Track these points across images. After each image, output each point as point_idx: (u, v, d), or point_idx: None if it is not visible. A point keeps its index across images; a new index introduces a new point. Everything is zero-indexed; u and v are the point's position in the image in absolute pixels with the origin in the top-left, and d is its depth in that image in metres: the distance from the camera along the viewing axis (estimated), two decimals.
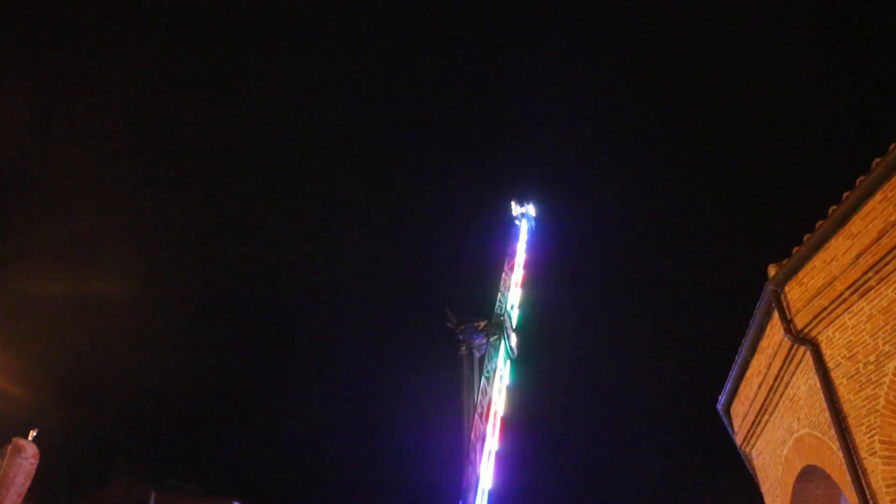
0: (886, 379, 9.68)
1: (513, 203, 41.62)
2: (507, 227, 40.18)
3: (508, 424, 28.72)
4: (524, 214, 41.01)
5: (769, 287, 12.05)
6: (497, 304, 32.21)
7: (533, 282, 35.83)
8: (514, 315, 32.78)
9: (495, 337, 29.97)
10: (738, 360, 14.39)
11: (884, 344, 9.82)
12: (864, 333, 10.24)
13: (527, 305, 34.20)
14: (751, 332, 13.48)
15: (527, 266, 36.72)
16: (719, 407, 16.10)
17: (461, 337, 30.60)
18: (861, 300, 10.30)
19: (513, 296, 33.43)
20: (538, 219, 41.59)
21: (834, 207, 10.55)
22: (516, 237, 38.16)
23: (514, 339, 31.39)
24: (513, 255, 36.29)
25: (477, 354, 30.11)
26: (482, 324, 30.60)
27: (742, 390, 14.94)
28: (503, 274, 34.46)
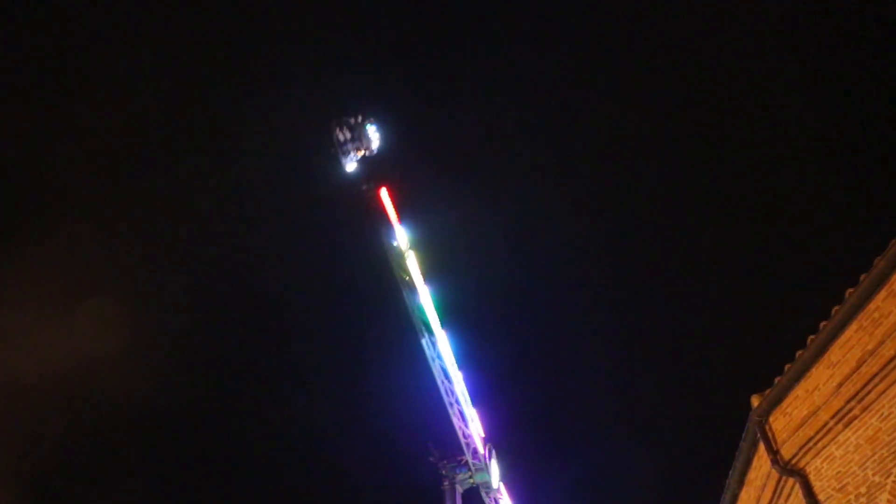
0: None
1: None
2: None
3: None
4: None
5: (754, 418, 12.03)
6: (464, 444, 30.15)
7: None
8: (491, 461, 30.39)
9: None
10: (727, 493, 14.13)
11: (874, 475, 9.73)
12: (852, 464, 10.16)
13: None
14: (738, 465, 13.33)
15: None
16: None
17: (444, 472, 29.78)
18: (846, 430, 10.29)
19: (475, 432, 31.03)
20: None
21: (812, 337, 10.71)
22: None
23: (495, 472, 30.35)
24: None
25: (460, 489, 29.22)
26: (465, 458, 29.86)
27: None
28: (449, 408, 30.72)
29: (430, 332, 28.15)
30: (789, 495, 11.66)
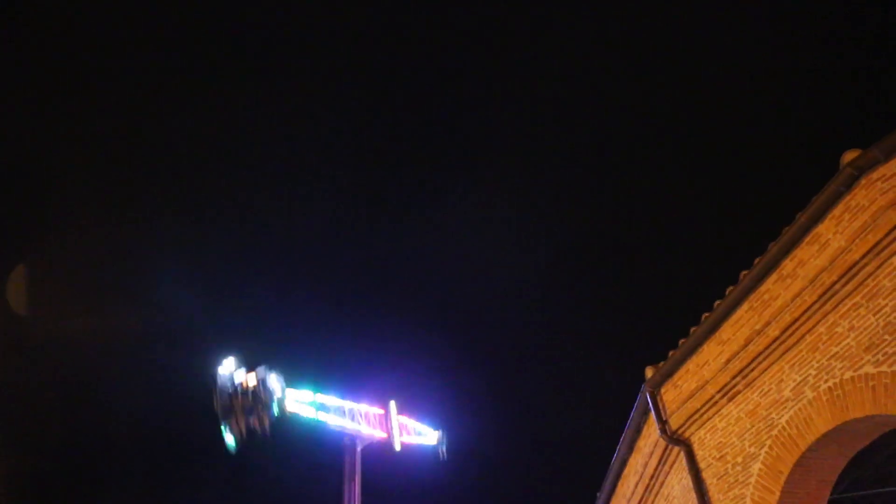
0: (752, 479, 10.21)
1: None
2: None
3: None
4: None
5: (646, 388, 12.58)
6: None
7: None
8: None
9: None
10: (616, 458, 14.79)
11: (750, 446, 10.40)
12: (732, 435, 10.82)
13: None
14: (628, 432, 13.94)
15: None
16: None
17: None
18: (730, 403, 10.93)
19: None
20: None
21: (706, 314, 11.26)
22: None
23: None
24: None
25: (360, 446, 29.42)
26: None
27: (620, 488, 15.28)
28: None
29: None
30: (674, 462, 12.32)
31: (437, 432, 31.64)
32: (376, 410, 29.14)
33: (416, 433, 30.85)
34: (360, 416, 28.30)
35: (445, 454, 31.32)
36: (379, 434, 28.60)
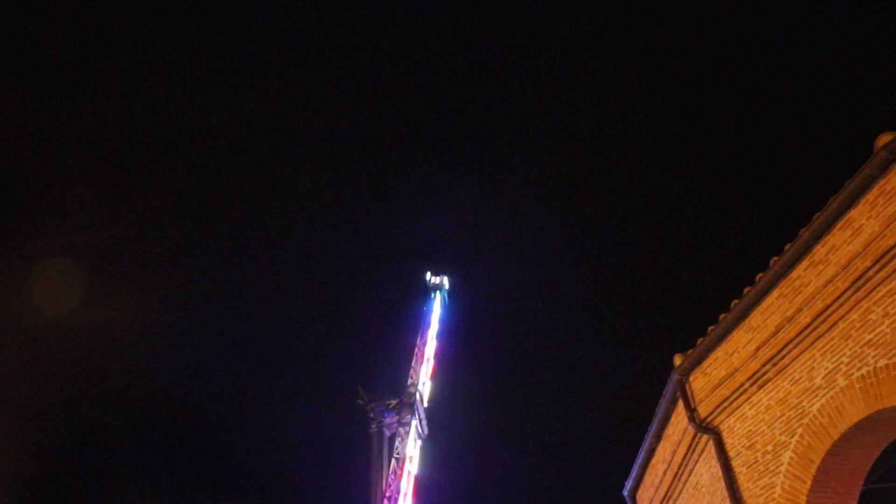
0: (782, 468, 10.08)
1: (428, 274, 41.49)
2: (421, 297, 40.03)
3: None
4: (439, 286, 41.00)
5: (675, 376, 12.46)
6: (409, 381, 31.85)
7: (444, 364, 35.86)
8: (426, 392, 32.47)
9: (406, 419, 29.57)
10: (645, 447, 14.68)
11: (780, 434, 10.26)
12: (762, 424, 10.68)
13: (438, 381, 34.11)
14: (657, 420, 13.83)
15: (437, 356, 36.17)
16: (625, 493, 16.28)
17: (372, 415, 30.12)
18: (760, 391, 10.78)
19: (424, 373, 33.18)
20: (452, 291, 41.88)
21: (736, 301, 11.11)
22: (430, 311, 38.17)
23: (424, 418, 31.02)
24: (426, 329, 36.24)
25: (387, 433, 29.62)
26: (394, 402, 30.24)
27: (647, 477, 15.19)
28: (416, 349, 34.27)
29: None
30: (703, 451, 12.20)
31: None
32: None
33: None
34: None
35: None
36: None
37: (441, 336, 36.91)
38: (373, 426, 29.72)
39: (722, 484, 11.18)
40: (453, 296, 41.71)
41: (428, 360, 34.12)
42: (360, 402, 30.25)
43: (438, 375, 34.51)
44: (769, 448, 10.45)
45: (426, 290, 40.16)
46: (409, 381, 31.59)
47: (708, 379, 11.85)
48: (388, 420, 29.83)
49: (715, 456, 11.48)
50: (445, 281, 41.41)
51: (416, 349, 34.10)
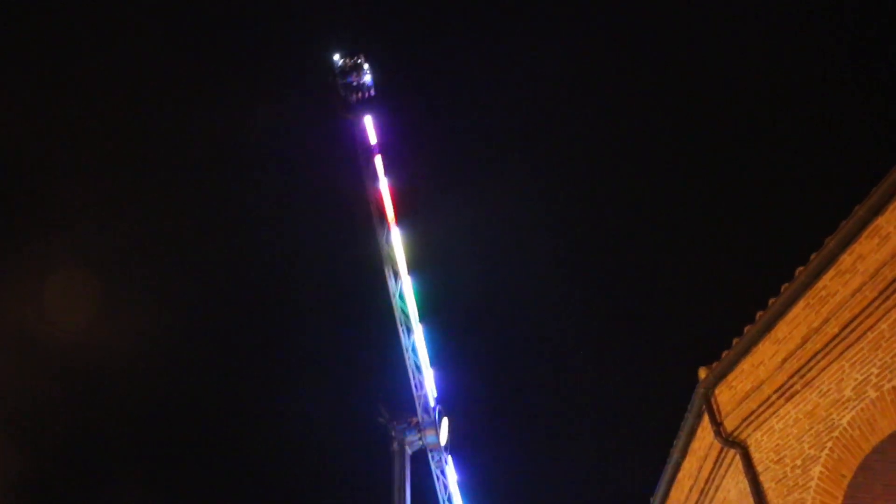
0: (812, 483, 9.85)
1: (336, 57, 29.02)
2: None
3: None
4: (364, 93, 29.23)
5: (700, 390, 12.28)
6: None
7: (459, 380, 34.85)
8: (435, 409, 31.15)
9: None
10: (670, 462, 14.46)
11: (809, 448, 10.04)
12: (791, 437, 10.46)
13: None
14: (682, 435, 13.62)
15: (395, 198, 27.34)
16: None
17: (393, 433, 29.93)
18: (788, 404, 10.57)
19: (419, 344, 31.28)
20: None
21: (761, 313, 10.93)
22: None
23: (443, 430, 30.52)
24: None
25: (409, 451, 29.42)
26: (415, 419, 30.04)
27: (674, 493, 14.93)
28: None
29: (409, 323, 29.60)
30: (730, 465, 11.98)
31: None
32: None
33: None
34: None
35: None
36: None
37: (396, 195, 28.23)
38: (394, 444, 29.53)
39: (750, 500, 10.96)
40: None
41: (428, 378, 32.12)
42: (380, 420, 30.09)
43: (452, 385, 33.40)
44: (798, 462, 10.23)
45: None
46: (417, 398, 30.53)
47: (734, 392, 11.65)
48: (410, 437, 29.63)
49: (742, 471, 11.26)
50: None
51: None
